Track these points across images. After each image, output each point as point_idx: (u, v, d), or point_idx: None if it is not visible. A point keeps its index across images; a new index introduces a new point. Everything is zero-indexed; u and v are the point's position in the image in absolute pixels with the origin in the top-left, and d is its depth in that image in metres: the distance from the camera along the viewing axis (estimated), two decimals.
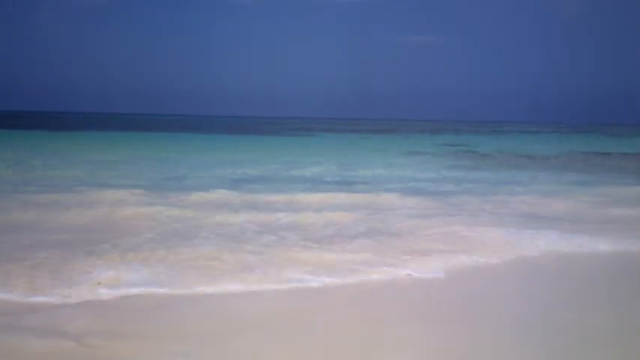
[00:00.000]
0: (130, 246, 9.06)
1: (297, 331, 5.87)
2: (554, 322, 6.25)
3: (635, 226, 11.81)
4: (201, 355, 5.33)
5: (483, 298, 7.25)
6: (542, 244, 9.89)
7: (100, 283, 7.13)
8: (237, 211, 12.37)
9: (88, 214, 11.81)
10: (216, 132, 69.08)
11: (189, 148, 36.67)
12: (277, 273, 7.81)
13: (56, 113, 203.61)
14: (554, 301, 7.13)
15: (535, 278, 8.31)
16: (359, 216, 12.10)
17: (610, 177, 22.49)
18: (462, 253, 9.12)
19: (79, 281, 7.26)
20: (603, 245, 9.95)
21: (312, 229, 10.81)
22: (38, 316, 6.11)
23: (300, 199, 14.54)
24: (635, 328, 6.14)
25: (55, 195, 13.94)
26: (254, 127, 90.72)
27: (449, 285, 7.67)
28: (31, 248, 8.80)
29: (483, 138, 62.87)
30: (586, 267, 8.88)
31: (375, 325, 6.10)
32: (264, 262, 8.34)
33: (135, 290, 7.03)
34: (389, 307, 6.77)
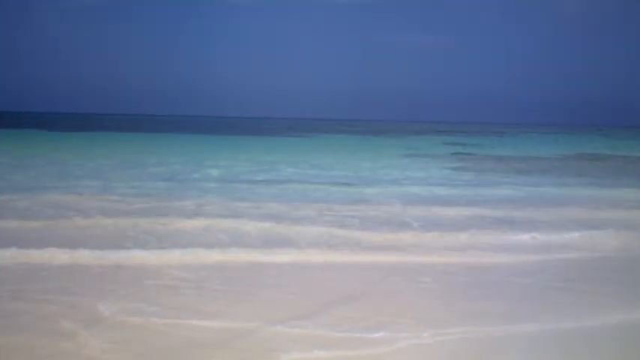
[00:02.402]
0: None
1: None
2: None
3: None
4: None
5: None
6: None
7: None
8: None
9: None
10: (209, 132, 68.78)
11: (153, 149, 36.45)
12: None
13: (54, 113, 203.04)
14: None
15: None
16: None
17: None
18: None
19: None
20: None
21: None
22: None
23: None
24: None
25: None
26: (254, 128, 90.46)
27: None
28: None
29: (497, 140, 62.53)
30: None
31: None
32: None
33: None
34: None
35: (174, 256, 8.50)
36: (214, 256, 8.62)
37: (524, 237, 10.58)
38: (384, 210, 13.18)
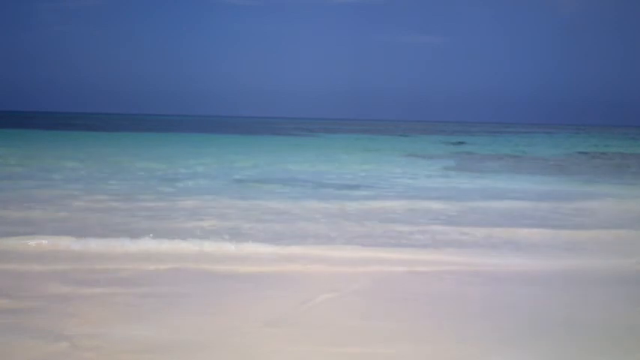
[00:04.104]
0: None
1: None
2: None
3: None
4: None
5: None
6: None
7: None
8: None
9: None
10: (208, 131, 68.89)
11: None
12: None
13: (54, 113, 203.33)
14: None
15: None
16: None
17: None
18: None
19: None
20: None
21: None
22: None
23: None
24: None
25: None
26: (254, 128, 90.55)
27: None
28: None
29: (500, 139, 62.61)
30: None
31: None
32: None
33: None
34: None
35: None
36: None
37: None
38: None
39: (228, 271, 7.90)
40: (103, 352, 5.17)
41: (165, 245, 9.07)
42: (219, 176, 19.41)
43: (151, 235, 9.62)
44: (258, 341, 5.45)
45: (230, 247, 9.05)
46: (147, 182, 17.13)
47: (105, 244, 9.06)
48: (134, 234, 9.85)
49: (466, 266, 8.34)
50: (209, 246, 9.10)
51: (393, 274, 7.89)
